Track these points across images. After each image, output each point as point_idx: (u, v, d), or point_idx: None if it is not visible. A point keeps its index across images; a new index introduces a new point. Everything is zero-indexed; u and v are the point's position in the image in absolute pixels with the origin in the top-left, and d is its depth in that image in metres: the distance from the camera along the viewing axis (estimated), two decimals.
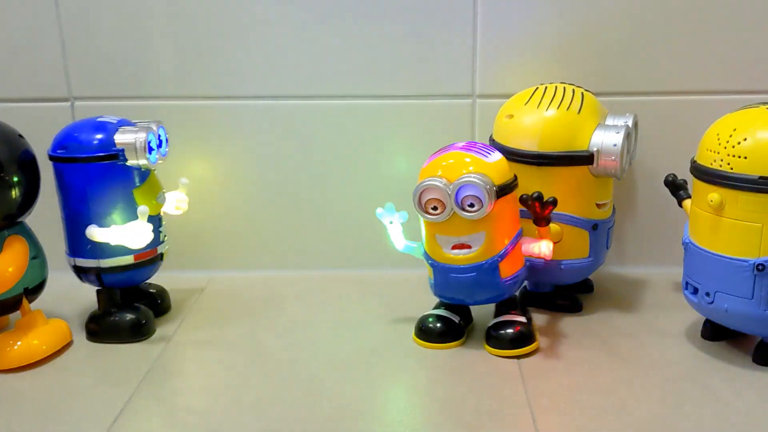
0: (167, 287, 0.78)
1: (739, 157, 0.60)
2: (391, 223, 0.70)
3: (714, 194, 0.61)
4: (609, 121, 0.72)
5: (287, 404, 0.60)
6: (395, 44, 0.79)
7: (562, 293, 0.77)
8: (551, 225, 0.67)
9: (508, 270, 0.67)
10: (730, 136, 0.61)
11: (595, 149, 0.70)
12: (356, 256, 0.85)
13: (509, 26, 0.79)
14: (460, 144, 0.67)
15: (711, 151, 0.62)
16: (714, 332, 0.68)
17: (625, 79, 0.79)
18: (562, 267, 0.73)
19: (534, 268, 0.73)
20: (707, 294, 0.64)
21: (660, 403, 0.59)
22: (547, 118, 0.70)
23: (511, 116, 0.72)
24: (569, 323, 0.73)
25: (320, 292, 0.81)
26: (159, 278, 0.76)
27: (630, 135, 0.71)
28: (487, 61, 0.80)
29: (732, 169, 0.60)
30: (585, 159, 0.70)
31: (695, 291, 0.65)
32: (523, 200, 0.65)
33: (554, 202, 0.65)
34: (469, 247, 0.66)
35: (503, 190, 0.65)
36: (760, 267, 0.60)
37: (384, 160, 0.83)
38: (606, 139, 0.70)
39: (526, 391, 0.61)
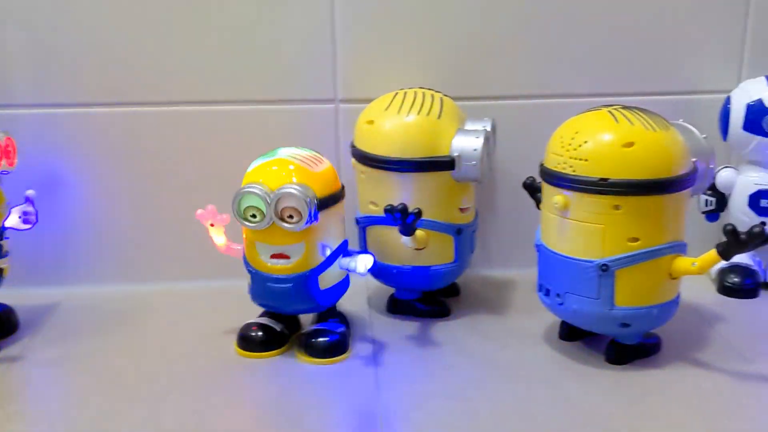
0: (17, 304, 0.73)
1: (581, 159, 0.61)
2: (212, 225, 0.69)
3: (559, 197, 0.62)
4: (468, 126, 0.73)
5: (121, 427, 0.57)
6: (255, 49, 0.78)
7: (429, 298, 0.76)
8: (417, 231, 0.66)
9: (327, 282, 0.66)
10: (573, 138, 0.61)
11: (456, 154, 0.70)
12: (216, 266, 0.81)
13: (368, 30, 0.78)
14: (287, 151, 0.66)
15: (555, 154, 0.63)
16: (570, 333, 0.69)
17: (482, 83, 0.80)
18: (430, 272, 0.73)
19: (401, 273, 0.72)
20: (558, 295, 0.64)
21: (508, 405, 0.59)
22: (407, 124, 0.70)
23: (372, 122, 0.72)
24: (436, 328, 0.73)
25: (182, 304, 0.78)
26: (8, 295, 0.72)
27: (489, 139, 0.72)
28: (348, 66, 0.79)
29: (574, 171, 0.61)
30: (446, 164, 0.70)
31: (548, 292, 0.66)
32: (387, 211, 0.64)
33: (419, 214, 0.64)
34: (287, 257, 0.64)
35: (327, 202, 0.64)
36: (603, 267, 0.61)
37: (246, 167, 0.80)
38: (466, 143, 0.70)
39: (378, 399, 0.60)
